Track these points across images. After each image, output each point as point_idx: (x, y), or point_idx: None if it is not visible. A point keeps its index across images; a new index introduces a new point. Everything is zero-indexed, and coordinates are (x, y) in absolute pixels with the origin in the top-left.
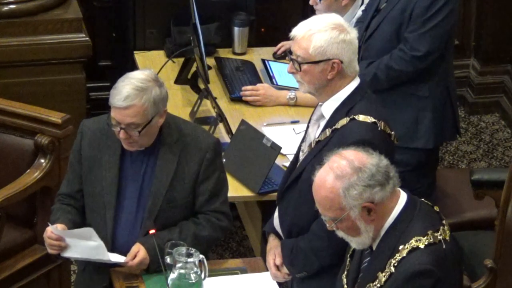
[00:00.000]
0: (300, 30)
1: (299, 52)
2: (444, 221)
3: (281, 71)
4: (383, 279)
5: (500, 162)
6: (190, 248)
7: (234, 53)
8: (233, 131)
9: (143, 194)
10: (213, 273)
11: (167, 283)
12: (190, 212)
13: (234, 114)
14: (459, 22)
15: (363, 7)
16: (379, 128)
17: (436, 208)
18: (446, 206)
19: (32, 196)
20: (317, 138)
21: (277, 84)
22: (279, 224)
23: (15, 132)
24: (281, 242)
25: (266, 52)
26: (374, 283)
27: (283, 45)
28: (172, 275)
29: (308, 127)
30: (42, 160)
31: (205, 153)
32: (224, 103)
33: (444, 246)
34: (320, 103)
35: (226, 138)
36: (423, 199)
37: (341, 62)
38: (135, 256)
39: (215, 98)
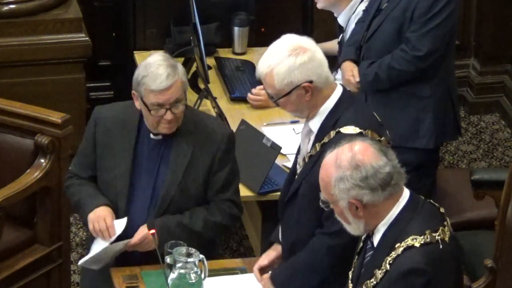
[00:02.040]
0: (261, 70)
1: (269, 90)
2: (446, 222)
3: None
4: (379, 277)
5: (500, 162)
6: (190, 248)
7: (234, 53)
8: (234, 131)
9: (156, 185)
10: (213, 273)
11: (167, 282)
12: (202, 202)
13: (234, 114)
14: (459, 22)
15: (363, 6)
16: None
17: (442, 210)
18: (446, 206)
19: (32, 196)
20: (309, 152)
21: None
22: (280, 238)
23: (15, 132)
24: (273, 272)
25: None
26: (371, 280)
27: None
28: (172, 275)
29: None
30: (42, 160)
31: (219, 144)
32: (224, 103)
33: (441, 247)
34: (306, 120)
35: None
36: (430, 200)
37: (311, 82)
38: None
39: (215, 98)
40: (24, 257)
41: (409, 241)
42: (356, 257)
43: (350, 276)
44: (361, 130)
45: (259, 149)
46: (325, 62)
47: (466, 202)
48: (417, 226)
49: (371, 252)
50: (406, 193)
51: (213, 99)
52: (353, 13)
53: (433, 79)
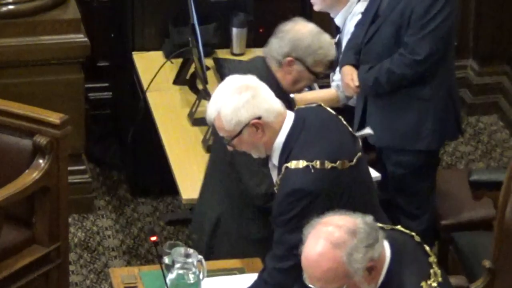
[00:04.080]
0: (209, 116)
1: (221, 133)
2: (430, 258)
3: None
4: None
5: (498, 163)
6: (188, 249)
7: (233, 54)
8: None
9: None
10: (211, 273)
11: (166, 283)
12: None
13: None
14: (457, 23)
15: (360, 6)
16: (312, 171)
17: (417, 239)
18: (445, 207)
19: (30, 196)
20: (276, 187)
21: None
22: None
23: (14, 133)
24: None
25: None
26: None
27: None
28: (171, 275)
29: None
30: (41, 161)
31: None
32: None
33: None
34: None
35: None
36: (399, 229)
37: (260, 118)
38: None
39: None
40: (23, 257)
41: None
42: None
43: None
44: (308, 163)
45: None
46: (270, 95)
47: (465, 203)
48: (411, 277)
49: None
50: (386, 244)
51: None
52: (350, 14)
53: (433, 81)
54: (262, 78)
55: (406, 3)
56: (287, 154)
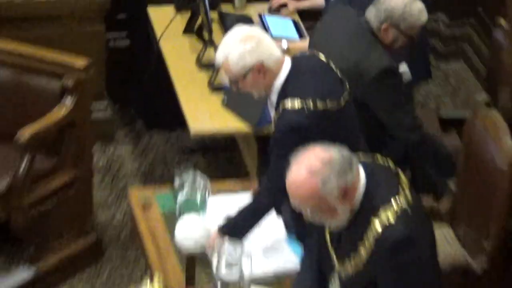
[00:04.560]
0: (218, 60)
1: (228, 75)
2: (401, 180)
3: (275, 23)
4: (364, 255)
5: (464, 102)
6: (196, 172)
7: (235, 8)
8: None
9: None
10: (216, 192)
11: (176, 202)
12: None
13: None
14: None
15: None
16: (306, 111)
17: (390, 163)
18: None
19: (60, 129)
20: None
21: (272, 36)
22: None
23: (44, 75)
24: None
25: (262, 7)
26: (357, 255)
27: (277, 0)
28: (181, 195)
29: None
30: (68, 99)
31: None
32: None
33: (409, 211)
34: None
35: (226, 81)
36: (377, 157)
37: (262, 63)
38: None
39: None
40: (53, 181)
41: (382, 216)
42: None
43: (328, 240)
44: (302, 103)
45: None
46: (272, 44)
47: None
48: (381, 195)
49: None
50: (361, 169)
51: (216, 48)
52: None
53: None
54: (368, 39)
55: None
56: (283, 96)
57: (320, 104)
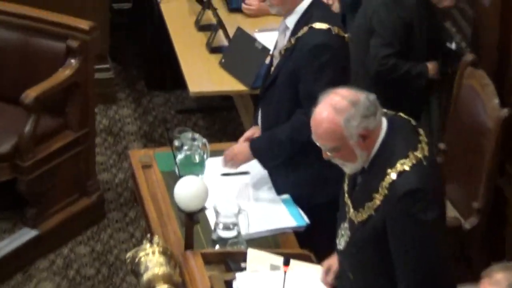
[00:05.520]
0: None
1: None
2: (421, 137)
3: None
4: (378, 202)
5: None
6: (194, 133)
7: None
8: (231, 36)
9: None
10: (214, 154)
11: (175, 162)
12: None
13: (232, 23)
14: None
15: None
16: (333, 33)
17: (413, 122)
18: None
19: (64, 90)
20: (285, 46)
21: None
22: (260, 120)
23: (49, 37)
24: (252, 139)
25: None
26: (371, 203)
27: None
28: (180, 156)
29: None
30: (73, 60)
31: None
32: (223, 13)
33: (425, 163)
34: (284, 17)
35: (224, 42)
36: (400, 115)
37: None
38: None
39: (216, 9)
40: (57, 141)
41: (398, 166)
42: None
43: (346, 189)
44: (330, 26)
45: (252, 51)
46: None
47: None
48: (400, 148)
49: (363, 174)
50: (384, 120)
51: (214, 10)
52: None
53: None
54: None
55: None
56: (307, 18)
57: (341, 32)
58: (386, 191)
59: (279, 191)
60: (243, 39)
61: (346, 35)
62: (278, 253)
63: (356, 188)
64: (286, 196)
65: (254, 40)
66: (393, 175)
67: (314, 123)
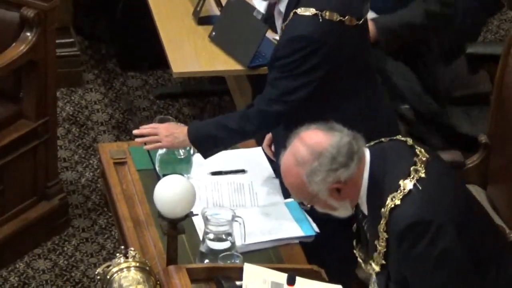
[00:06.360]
0: None
1: None
2: (417, 157)
3: None
4: (383, 247)
5: (495, 36)
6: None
7: None
8: (223, 3)
9: None
10: None
11: (152, 158)
12: None
13: None
14: None
15: None
16: (320, 20)
17: (409, 142)
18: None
19: (17, 70)
20: (279, 34)
21: None
22: None
23: (0, 5)
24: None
25: None
26: (377, 254)
27: None
28: (160, 150)
29: None
30: (28, 34)
31: None
32: None
33: (420, 187)
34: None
35: (216, 11)
36: (396, 138)
37: None
38: None
39: None
40: (10, 133)
41: (389, 203)
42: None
43: (355, 243)
44: (317, 11)
45: (249, 22)
46: None
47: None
48: (390, 180)
49: (366, 220)
50: (366, 151)
51: None
52: None
53: None
54: None
55: None
56: (296, 1)
57: (337, 17)
58: (385, 235)
59: (286, 194)
60: (239, 7)
61: (346, 17)
62: (280, 269)
63: (361, 238)
64: (291, 200)
65: (252, 8)
66: (386, 215)
67: (282, 173)
